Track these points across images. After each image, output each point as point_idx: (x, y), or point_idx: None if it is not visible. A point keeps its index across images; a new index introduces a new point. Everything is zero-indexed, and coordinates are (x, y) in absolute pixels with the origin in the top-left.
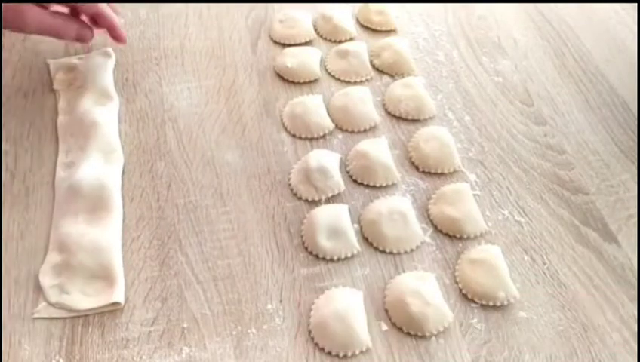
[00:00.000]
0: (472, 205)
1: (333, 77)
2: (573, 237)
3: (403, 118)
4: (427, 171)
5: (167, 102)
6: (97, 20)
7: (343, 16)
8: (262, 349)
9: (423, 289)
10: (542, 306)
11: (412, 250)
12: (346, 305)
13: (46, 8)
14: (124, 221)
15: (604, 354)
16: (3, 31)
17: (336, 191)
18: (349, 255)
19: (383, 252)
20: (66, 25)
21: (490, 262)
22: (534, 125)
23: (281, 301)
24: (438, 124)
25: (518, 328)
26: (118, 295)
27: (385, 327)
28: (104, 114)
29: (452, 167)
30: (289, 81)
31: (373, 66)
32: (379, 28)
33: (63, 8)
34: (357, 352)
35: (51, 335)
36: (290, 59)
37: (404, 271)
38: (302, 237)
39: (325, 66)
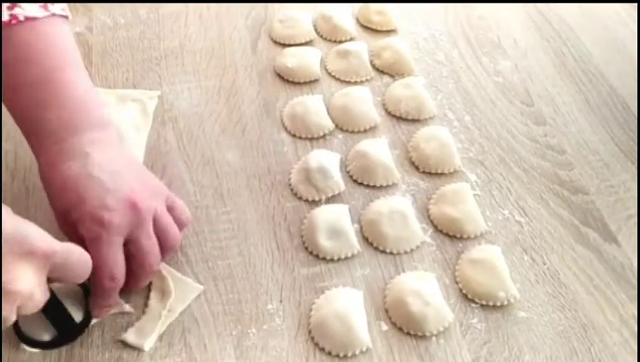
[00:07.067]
0: (472, 205)
1: (333, 77)
2: (573, 237)
3: (403, 118)
4: (427, 171)
5: (167, 102)
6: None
7: (343, 16)
8: (262, 349)
9: (423, 289)
10: (542, 306)
11: (412, 250)
12: (346, 305)
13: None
14: None
15: (604, 354)
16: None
17: (337, 191)
18: (349, 255)
19: (383, 252)
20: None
21: (491, 262)
22: (534, 125)
23: (281, 301)
24: (438, 124)
25: (518, 328)
26: None
27: (385, 327)
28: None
29: (452, 167)
30: (289, 81)
31: (374, 66)
32: (379, 28)
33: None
34: (357, 352)
35: None
36: (290, 59)
37: (404, 271)
38: (302, 237)
39: (325, 66)
